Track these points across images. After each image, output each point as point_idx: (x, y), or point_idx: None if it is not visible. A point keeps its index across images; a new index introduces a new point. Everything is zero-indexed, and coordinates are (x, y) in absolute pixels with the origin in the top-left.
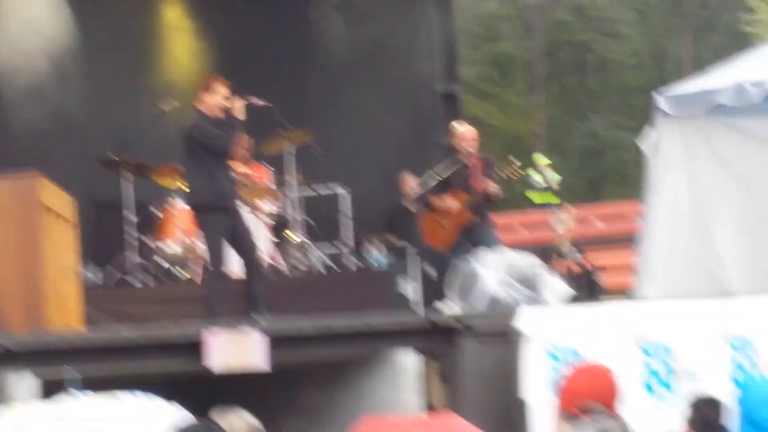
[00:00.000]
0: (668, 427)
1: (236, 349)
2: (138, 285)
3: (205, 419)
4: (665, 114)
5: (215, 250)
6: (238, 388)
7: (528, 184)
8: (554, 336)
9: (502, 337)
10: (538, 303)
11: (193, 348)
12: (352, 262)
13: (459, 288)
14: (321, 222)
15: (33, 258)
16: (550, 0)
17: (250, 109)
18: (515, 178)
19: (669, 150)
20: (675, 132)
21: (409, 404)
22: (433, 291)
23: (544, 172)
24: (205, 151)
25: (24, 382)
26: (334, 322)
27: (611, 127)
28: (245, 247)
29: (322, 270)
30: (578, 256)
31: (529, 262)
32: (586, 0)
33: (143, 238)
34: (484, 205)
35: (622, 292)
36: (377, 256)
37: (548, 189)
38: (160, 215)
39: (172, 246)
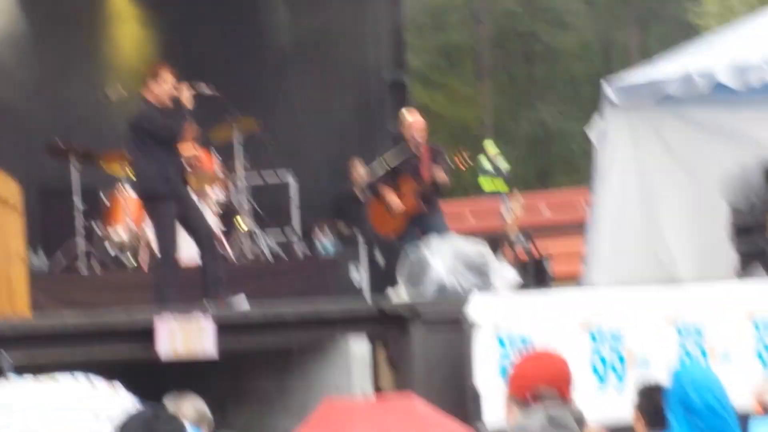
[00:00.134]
0: (618, 413)
1: (185, 336)
2: (85, 272)
3: (152, 403)
4: (613, 104)
5: (165, 237)
6: (189, 376)
7: (479, 170)
8: (504, 323)
9: (452, 324)
10: (487, 290)
11: (142, 335)
12: (300, 250)
13: (408, 275)
14: (269, 210)
15: None
16: None
17: (197, 97)
18: (464, 167)
19: (617, 139)
20: (622, 121)
21: (359, 390)
22: (382, 278)
23: (494, 159)
24: (153, 140)
25: None
26: (282, 309)
27: (558, 117)
28: (201, 232)
29: (270, 258)
30: (527, 243)
31: (478, 249)
32: None
33: (91, 224)
34: (433, 193)
35: (571, 280)
36: (326, 243)
37: (498, 176)
38: (108, 202)
39: (120, 233)
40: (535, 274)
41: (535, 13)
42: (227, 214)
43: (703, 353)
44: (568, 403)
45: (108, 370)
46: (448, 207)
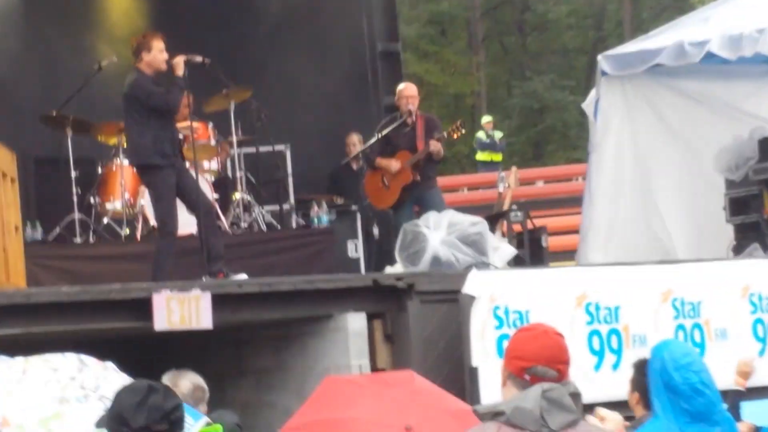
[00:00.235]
0: (614, 390)
1: (181, 307)
2: (78, 241)
3: (147, 379)
4: (607, 75)
5: (163, 208)
6: (188, 354)
7: (476, 145)
8: (501, 298)
9: (448, 298)
10: (482, 264)
11: (138, 306)
12: (293, 220)
13: (405, 250)
14: (262, 180)
15: None
16: None
17: (189, 66)
18: (457, 137)
19: (610, 110)
20: (616, 92)
21: (357, 366)
22: (377, 250)
23: (488, 130)
24: (148, 110)
25: None
26: (276, 280)
27: (551, 87)
28: (200, 208)
29: (264, 227)
30: (523, 216)
31: (474, 223)
32: None
33: (86, 195)
34: (428, 164)
35: (566, 253)
36: (320, 214)
37: (495, 149)
38: (104, 173)
39: (115, 204)
40: (531, 247)
41: None
42: (220, 183)
43: (700, 330)
44: (564, 381)
45: (106, 348)
46: (442, 180)
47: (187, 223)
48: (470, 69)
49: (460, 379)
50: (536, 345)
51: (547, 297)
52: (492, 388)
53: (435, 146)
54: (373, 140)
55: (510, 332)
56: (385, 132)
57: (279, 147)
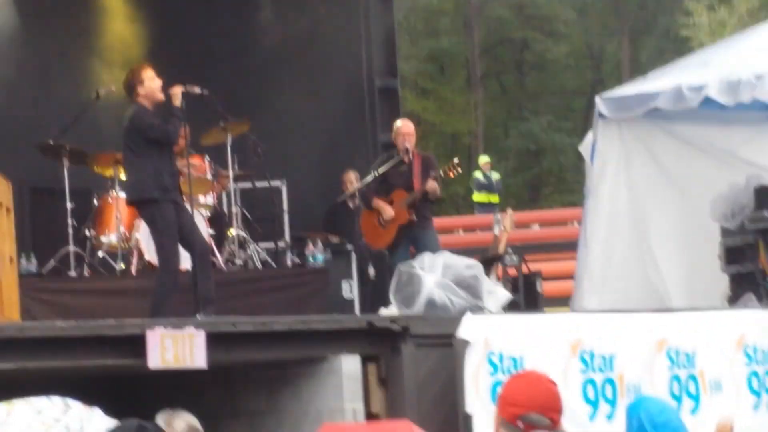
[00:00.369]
0: None
1: (175, 346)
2: (73, 274)
3: (139, 420)
4: (604, 117)
5: (166, 245)
6: (182, 394)
7: (473, 185)
8: (495, 343)
9: (443, 342)
10: (477, 307)
11: (132, 343)
12: (288, 258)
13: (398, 290)
14: (258, 216)
15: None
16: None
17: (187, 98)
18: (453, 176)
19: (607, 153)
20: (613, 135)
21: (351, 410)
22: (372, 290)
23: (485, 170)
24: (147, 142)
25: None
26: (271, 320)
27: (548, 128)
28: (197, 248)
29: (259, 265)
30: (517, 260)
31: (468, 265)
32: None
33: (80, 226)
34: (425, 204)
35: (561, 299)
36: (315, 253)
37: (491, 190)
38: (98, 204)
39: (109, 236)
40: (526, 292)
41: (526, 20)
42: (216, 218)
43: (695, 381)
44: (558, 430)
45: (97, 386)
46: (440, 222)
47: (181, 259)
48: (468, 107)
49: (454, 425)
50: (529, 392)
51: (542, 343)
52: None
53: (431, 186)
54: (369, 178)
55: (504, 378)
56: (381, 170)
57: (275, 182)
